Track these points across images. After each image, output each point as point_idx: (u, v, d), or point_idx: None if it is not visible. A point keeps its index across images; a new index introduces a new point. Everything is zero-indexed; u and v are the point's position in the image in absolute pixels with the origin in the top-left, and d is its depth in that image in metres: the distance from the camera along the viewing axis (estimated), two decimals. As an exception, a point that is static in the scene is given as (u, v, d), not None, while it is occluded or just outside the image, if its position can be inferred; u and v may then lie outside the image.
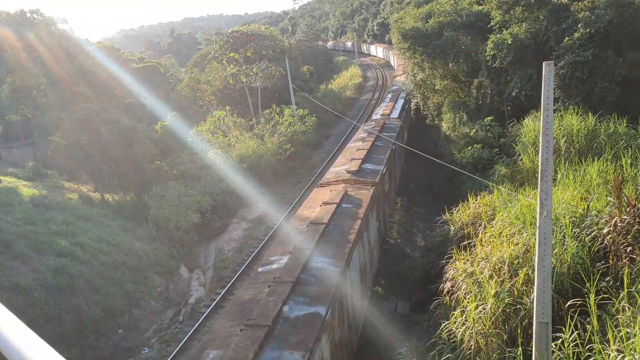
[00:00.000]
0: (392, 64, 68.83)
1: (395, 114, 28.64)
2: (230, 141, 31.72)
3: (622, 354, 6.64)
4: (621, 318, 7.48)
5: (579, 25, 19.56)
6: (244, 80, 36.75)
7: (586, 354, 7.23)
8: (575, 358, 7.26)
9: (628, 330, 7.00)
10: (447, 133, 25.31)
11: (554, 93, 18.47)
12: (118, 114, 27.52)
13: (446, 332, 10.14)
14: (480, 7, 27.38)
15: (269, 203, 27.87)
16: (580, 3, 21.39)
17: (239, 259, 21.71)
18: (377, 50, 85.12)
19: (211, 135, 31.82)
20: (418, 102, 30.95)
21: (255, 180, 29.69)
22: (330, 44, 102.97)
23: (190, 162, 30.85)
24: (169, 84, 45.79)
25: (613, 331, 7.05)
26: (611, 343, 6.91)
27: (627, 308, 7.56)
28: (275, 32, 49.74)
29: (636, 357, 6.41)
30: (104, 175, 27.07)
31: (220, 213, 26.20)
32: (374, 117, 29.74)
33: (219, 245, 23.86)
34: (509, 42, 21.30)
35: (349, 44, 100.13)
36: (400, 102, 32.91)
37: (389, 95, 37.21)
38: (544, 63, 6.98)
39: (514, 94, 21.66)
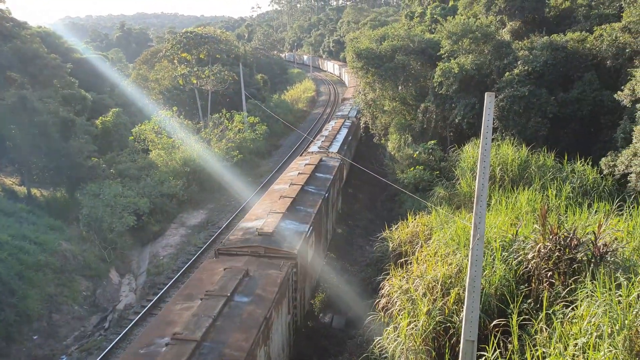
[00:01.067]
0: (345, 82, 70.05)
1: (335, 147, 25.47)
2: (175, 143, 30.94)
3: (538, 373, 7.02)
4: (539, 338, 7.93)
5: (519, 63, 20.85)
6: (195, 82, 36.10)
7: (506, 372, 7.58)
8: (496, 376, 7.60)
9: (544, 350, 7.43)
10: (392, 153, 26.02)
11: (493, 123, 19.53)
12: (55, 104, 26.06)
13: (378, 348, 10.31)
14: (432, 35, 28.57)
15: (211, 210, 27.35)
16: (520, 42, 22.83)
17: (174, 266, 21.07)
18: (332, 67, 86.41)
19: (155, 136, 30.90)
20: (367, 121, 31.65)
21: (198, 186, 29.09)
22: (286, 55, 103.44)
23: (130, 161, 29.74)
24: (115, 79, 44.14)
25: (531, 350, 7.46)
26: (529, 362, 7.30)
27: (544, 329, 8.02)
28: (231, 37, 49.40)
29: (550, 376, 6.80)
30: (34, 168, 25.51)
31: (158, 217, 25.36)
32: (312, 148, 26.19)
33: (154, 250, 23.06)
34: (456, 71, 22.32)
35: (304, 57, 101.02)
36: (344, 131, 30.28)
37: (331, 123, 34.09)
38: (486, 94, 7.39)
39: (457, 120, 22.65)
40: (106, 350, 15.36)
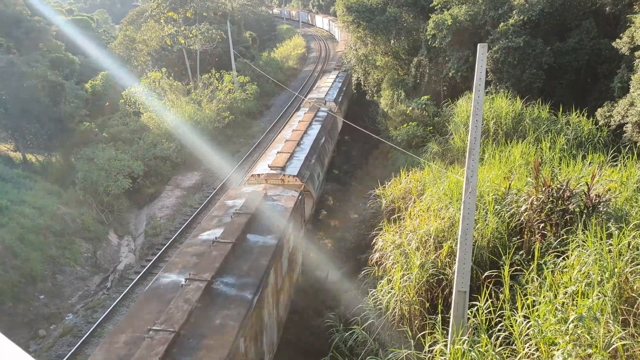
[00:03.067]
0: (336, 37, 68.58)
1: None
2: (165, 105, 30.55)
3: (528, 320, 7.27)
4: (529, 288, 8.17)
5: (514, 12, 20.37)
6: (183, 41, 35.24)
7: (497, 320, 7.84)
8: (487, 324, 7.86)
9: (534, 299, 7.66)
10: (385, 110, 25.81)
11: (487, 76, 19.32)
12: (43, 68, 25.50)
13: (373, 300, 10.59)
14: (424, -14, 27.74)
15: (205, 172, 27.34)
16: (516, -10, 22.24)
17: (171, 227, 21.28)
18: (322, 22, 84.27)
19: (145, 98, 30.45)
20: (359, 77, 31.21)
21: (190, 148, 28.96)
22: (274, 11, 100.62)
23: (122, 125, 29.46)
24: (101, 41, 43.02)
25: (522, 300, 7.69)
26: (519, 310, 7.54)
27: (535, 279, 8.24)
28: (217, -6, 47.78)
29: (539, 322, 7.04)
30: (27, 134, 25.27)
31: (152, 179, 25.40)
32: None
33: (150, 212, 23.21)
34: (449, 23, 21.84)
35: (293, 12, 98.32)
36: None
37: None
38: (478, 45, 7.27)
39: (450, 74, 22.36)
40: (110, 308, 15.80)
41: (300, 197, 14.27)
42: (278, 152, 17.71)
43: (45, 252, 17.69)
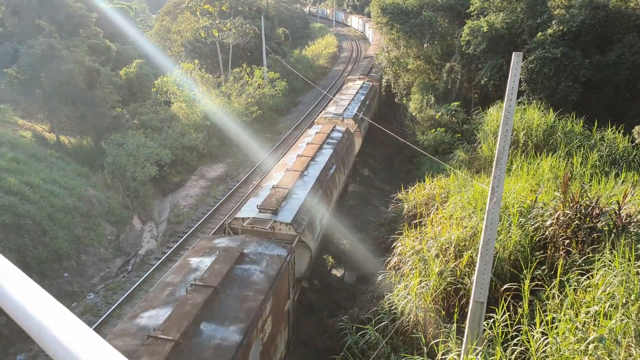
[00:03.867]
0: (369, 38, 68.34)
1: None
2: (195, 96, 30.97)
3: (546, 337, 7.11)
4: (550, 304, 7.99)
5: (553, 22, 19.95)
6: (217, 34, 35.65)
7: (513, 334, 7.70)
8: (503, 337, 7.72)
9: (554, 315, 7.49)
10: (414, 114, 25.60)
11: (521, 86, 18.96)
12: (81, 54, 26.15)
13: (388, 304, 10.54)
14: (462, -9, 27.40)
15: (230, 164, 27.63)
16: (557, 0, 21.76)
17: (194, 216, 21.58)
18: (356, 22, 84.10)
19: (176, 88, 30.93)
20: (389, 80, 31.03)
21: (218, 139, 29.30)
22: (308, 9, 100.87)
23: (153, 112, 29.98)
24: (138, 30, 43.86)
25: (541, 315, 7.53)
26: (537, 326, 7.39)
27: (556, 295, 8.06)
28: (254, -11, 48.15)
29: (558, 340, 6.89)
30: (62, 116, 25.97)
31: (178, 168, 25.80)
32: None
33: (174, 200, 23.58)
34: (485, 30, 21.53)
35: (327, 11, 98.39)
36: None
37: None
38: (513, 54, 7.14)
39: (482, 82, 22.04)
40: (129, 291, 16.16)
41: (289, 257, 10.75)
42: (273, 187, 14.36)
43: (72, 232, 18.16)
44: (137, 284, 16.59)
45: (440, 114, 22.93)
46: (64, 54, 24.62)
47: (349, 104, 24.98)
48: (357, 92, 27.96)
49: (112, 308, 15.31)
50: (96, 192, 21.19)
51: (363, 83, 31.07)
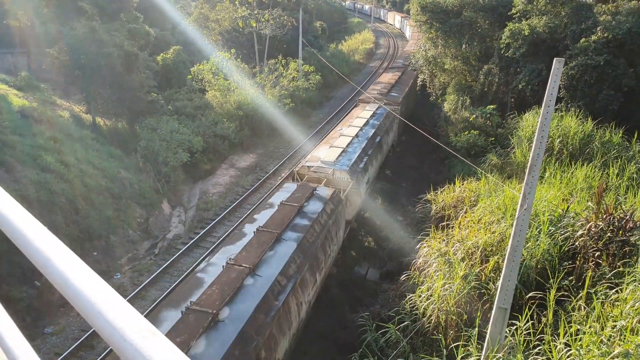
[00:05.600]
0: (407, 36, 67.64)
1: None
2: (230, 86, 31.33)
3: (569, 348, 7.00)
4: (575, 316, 7.84)
5: (598, 28, 19.36)
6: (254, 25, 35.94)
7: (535, 343, 7.60)
8: (525, 345, 7.63)
9: (579, 327, 7.35)
10: (448, 114, 25.29)
11: (560, 92, 18.49)
12: (121, 38, 26.79)
13: (410, 304, 10.51)
14: (504, -8, 26.84)
15: (260, 155, 27.90)
16: (603, 6, 21.09)
17: (222, 204, 21.92)
18: (394, 19, 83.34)
19: (212, 76, 31.36)
20: (425, 79, 30.71)
21: (249, 130, 29.59)
22: (347, 3, 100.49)
23: (187, 99, 30.48)
24: (177, 17, 44.62)
25: (565, 326, 7.40)
26: (561, 337, 7.27)
27: (582, 307, 7.90)
28: (293, -19, 48.30)
29: (581, 352, 6.76)
30: (99, 98, 26.68)
31: (210, 156, 26.19)
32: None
33: (204, 187, 23.99)
34: (526, 33, 21.06)
35: (366, 7, 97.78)
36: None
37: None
38: (555, 59, 7.01)
39: (520, 86, 21.59)
40: (155, 273, 16.55)
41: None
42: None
43: (103, 212, 18.68)
44: (163, 267, 16.96)
45: (475, 116, 22.59)
46: (104, 37, 25.26)
47: (348, 145, 18.84)
48: (366, 125, 21.73)
49: (137, 289, 15.68)
50: (128, 174, 21.74)
51: (377, 109, 24.14)
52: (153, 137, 23.43)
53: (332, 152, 18.04)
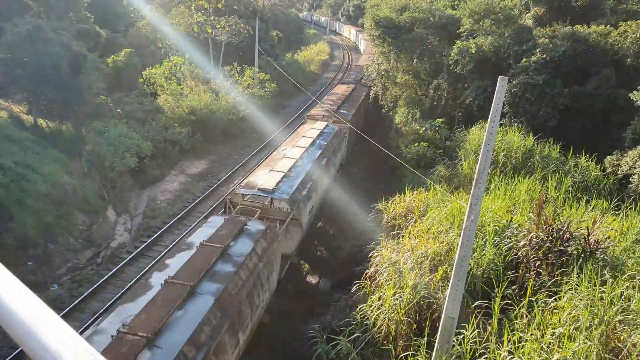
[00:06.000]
0: (361, 49, 68.87)
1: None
2: (183, 90, 30.72)
3: (512, 356, 7.26)
4: (518, 324, 8.16)
5: (537, 50, 20.49)
6: (210, 31, 35.50)
7: (481, 351, 7.84)
8: (471, 354, 7.85)
9: (521, 335, 7.65)
10: (399, 126, 25.88)
11: (503, 108, 19.36)
12: (69, 37, 25.71)
13: (361, 315, 10.59)
14: (454, 12, 27.93)
15: (212, 162, 27.45)
16: (542, 29, 22.37)
17: (170, 211, 21.34)
18: (349, 32, 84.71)
19: (164, 81, 30.65)
20: (377, 91, 31.34)
21: (202, 135, 29.08)
22: (304, 14, 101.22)
23: (138, 103, 29.62)
24: (130, 19, 43.39)
25: (509, 334, 7.68)
26: (505, 344, 7.54)
27: (524, 315, 8.24)
28: (250, -11, 48.18)
29: (523, 359, 7.03)
30: (42, 99, 25.44)
31: (159, 162, 25.49)
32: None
33: (152, 194, 23.29)
34: (473, 51, 21.96)
35: (322, 19, 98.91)
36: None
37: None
38: (499, 77, 7.34)
39: (467, 101, 22.45)
40: (97, 284, 15.77)
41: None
42: None
43: (41, 219, 17.67)
44: (106, 277, 16.21)
45: (424, 128, 23.23)
46: (51, 36, 24.18)
47: (291, 169, 17.07)
48: (312, 145, 20.13)
49: (76, 301, 14.84)
50: (72, 179, 20.77)
51: (325, 127, 22.75)
52: (100, 141, 22.54)
53: (271, 177, 15.89)
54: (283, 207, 14.70)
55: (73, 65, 24.93)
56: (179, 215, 20.56)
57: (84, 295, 15.17)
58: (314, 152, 19.60)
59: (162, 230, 19.38)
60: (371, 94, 32.62)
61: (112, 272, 16.56)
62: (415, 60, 26.94)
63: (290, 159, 18.08)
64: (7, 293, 1.14)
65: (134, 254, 17.72)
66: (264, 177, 16.19)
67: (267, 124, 34.83)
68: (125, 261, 17.24)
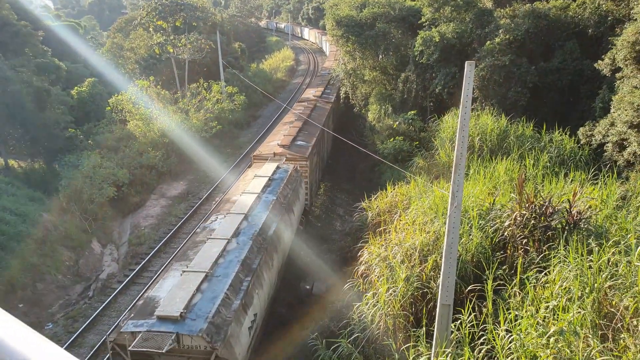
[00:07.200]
0: (325, 51, 69.17)
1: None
2: (152, 114, 30.43)
3: (510, 334, 7.37)
4: (512, 302, 8.29)
5: (500, 31, 20.84)
6: (171, 50, 35.25)
7: (480, 334, 7.94)
8: (470, 337, 7.94)
9: (517, 313, 7.78)
10: (373, 124, 26.05)
11: (474, 93, 19.65)
12: (28, 74, 25.29)
13: (358, 313, 10.62)
14: (413, 3, 28.26)
15: (191, 181, 27.23)
16: (502, 10, 22.77)
17: (155, 236, 21.10)
18: (311, 35, 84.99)
19: (132, 106, 30.31)
20: (347, 91, 31.50)
21: (177, 157, 28.84)
22: (263, 22, 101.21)
23: (108, 132, 29.24)
24: (89, 48, 42.84)
25: (504, 314, 7.80)
26: (502, 324, 7.65)
27: (517, 293, 8.37)
28: (207, 4, 48.07)
29: (521, 336, 7.15)
30: (9, 139, 24.94)
31: (137, 188, 25.18)
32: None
33: (135, 221, 22.99)
34: (437, 40, 22.25)
35: (283, 25, 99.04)
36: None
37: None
38: (466, 63, 7.46)
39: (437, 90, 22.73)
40: (91, 317, 15.58)
41: None
42: None
43: (26, 260, 17.38)
44: (100, 309, 16.02)
45: (397, 123, 23.44)
46: (9, 75, 23.75)
47: (216, 263, 11.45)
48: (255, 207, 14.70)
49: (73, 337, 14.68)
50: (51, 216, 20.40)
51: (276, 171, 17.51)
52: (75, 175, 22.21)
53: (182, 288, 10.29)
54: (198, 345, 9.27)
55: (37, 101, 24.55)
56: (165, 239, 20.34)
57: (80, 330, 14.97)
58: (257, 219, 14.00)
59: (150, 255, 19.15)
60: (341, 94, 32.76)
61: (105, 303, 16.34)
62: (380, 56, 27.18)
63: (217, 240, 12.26)
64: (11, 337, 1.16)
65: (124, 282, 17.50)
66: (174, 288, 10.38)
67: (241, 136, 34.75)
68: (117, 291, 17.02)
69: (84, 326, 15.16)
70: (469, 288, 9.23)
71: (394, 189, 15.85)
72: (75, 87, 31.83)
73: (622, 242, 8.55)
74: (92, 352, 13.88)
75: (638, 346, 6.43)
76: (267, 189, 16.03)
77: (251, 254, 12.24)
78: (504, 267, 9.58)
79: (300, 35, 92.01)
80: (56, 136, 25.09)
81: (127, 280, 17.62)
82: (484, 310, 8.40)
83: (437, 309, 7.86)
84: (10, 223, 18.24)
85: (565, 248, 8.66)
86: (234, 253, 12.02)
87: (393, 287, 10.09)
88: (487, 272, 9.05)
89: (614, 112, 14.99)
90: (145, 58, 38.15)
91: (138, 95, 31.35)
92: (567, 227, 9.50)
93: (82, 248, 19.94)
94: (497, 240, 10.48)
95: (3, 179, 22.35)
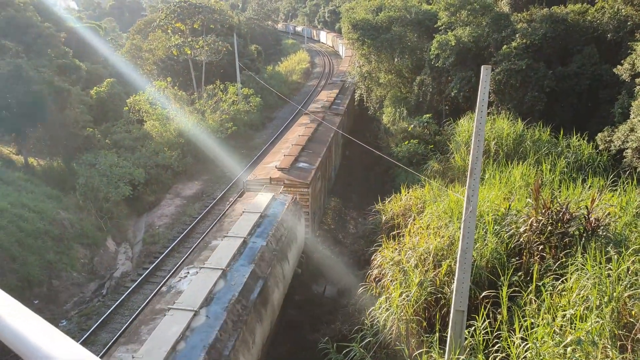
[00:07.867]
0: (340, 53, 69.20)
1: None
2: (169, 114, 30.72)
3: (526, 342, 7.25)
4: (527, 310, 8.15)
5: (517, 35, 20.63)
6: (189, 52, 35.56)
7: (494, 341, 7.82)
8: (484, 344, 7.83)
9: (532, 321, 7.65)
10: (387, 126, 25.96)
11: (490, 97, 19.47)
12: (50, 74, 25.68)
13: (370, 318, 10.55)
14: (429, 7, 28.13)
15: (206, 182, 27.40)
16: (519, 14, 22.54)
17: (170, 235, 21.26)
18: (327, 38, 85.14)
19: (149, 106, 30.63)
20: (362, 94, 31.46)
21: (192, 157, 29.06)
22: (280, 25, 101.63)
23: (125, 132, 29.57)
24: (109, 49, 43.42)
25: (520, 321, 7.68)
26: (517, 332, 7.53)
27: (533, 301, 8.24)
28: (225, 7, 48.45)
29: (537, 344, 7.02)
30: (30, 138, 25.35)
31: (153, 187, 25.44)
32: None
33: (149, 220, 23.20)
34: (452, 44, 22.10)
35: (299, 28, 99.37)
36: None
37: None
38: (482, 67, 7.37)
39: (453, 94, 22.56)
40: (105, 315, 15.72)
41: None
42: None
43: (43, 257, 17.64)
44: (113, 307, 16.17)
45: (412, 126, 23.32)
46: (32, 75, 24.14)
47: (177, 347, 8.16)
48: (238, 258, 11.41)
49: (86, 334, 14.82)
50: (68, 214, 20.68)
51: (270, 205, 14.42)
52: (92, 173, 22.50)
53: None
54: None
55: (57, 101, 24.91)
56: (179, 238, 20.48)
57: (94, 327, 15.13)
58: (239, 275, 10.72)
59: (164, 255, 19.30)
60: (356, 97, 32.71)
61: (119, 301, 16.50)
62: (396, 59, 27.08)
63: (179, 313, 8.96)
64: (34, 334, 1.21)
65: (138, 281, 17.65)
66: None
67: (256, 138, 34.88)
68: (130, 289, 17.17)
69: (97, 323, 15.31)
70: (483, 294, 9.11)
71: (408, 192, 15.75)
72: (95, 87, 32.29)
73: (642, 251, 8.36)
74: (104, 351, 14.00)
75: (657, 357, 6.28)
76: (256, 230, 12.74)
77: (224, 333, 8.83)
78: (520, 273, 9.44)
79: (317, 39, 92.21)
80: (75, 135, 25.45)
81: (140, 279, 17.77)
82: (499, 317, 8.28)
83: (451, 315, 7.77)
84: (29, 220, 18.54)
85: (583, 255, 8.50)
86: (199, 335, 8.55)
87: (406, 291, 10.00)
88: (502, 278, 8.92)
89: (633, 118, 14.72)
90: (163, 59, 38.55)
91: (155, 95, 31.68)
92: (584, 234, 9.33)
93: (97, 246, 20.18)
94: (512, 246, 10.33)
95: (22, 176, 22.72)
